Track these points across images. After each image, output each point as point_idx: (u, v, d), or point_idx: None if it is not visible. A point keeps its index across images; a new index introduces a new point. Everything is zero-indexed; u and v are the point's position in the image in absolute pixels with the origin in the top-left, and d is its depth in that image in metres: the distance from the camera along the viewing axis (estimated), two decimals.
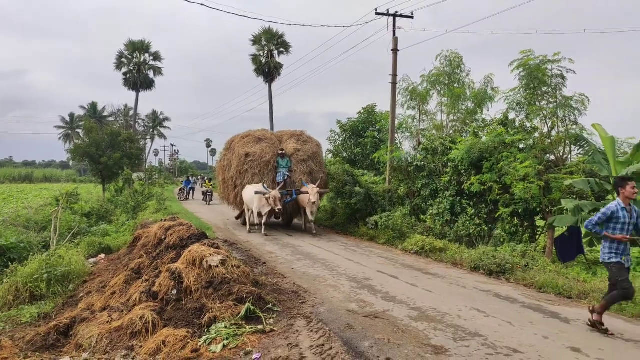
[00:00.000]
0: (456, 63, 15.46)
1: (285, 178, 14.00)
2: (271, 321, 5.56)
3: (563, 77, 10.80)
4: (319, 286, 7.23)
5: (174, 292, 5.99)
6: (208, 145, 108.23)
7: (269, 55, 39.83)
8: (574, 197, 9.83)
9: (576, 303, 6.49)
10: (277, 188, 13.28)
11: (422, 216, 14.19)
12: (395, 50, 15.42)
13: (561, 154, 11.52)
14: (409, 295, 6.60)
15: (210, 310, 5.54)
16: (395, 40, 15.40)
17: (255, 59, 40.17)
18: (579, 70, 10.82)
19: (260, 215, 13.18)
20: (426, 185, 13.77)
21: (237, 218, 16.43)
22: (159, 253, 7.44)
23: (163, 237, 8.04)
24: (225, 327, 5.32)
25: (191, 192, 30.53)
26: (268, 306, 5.96)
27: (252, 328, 5.31)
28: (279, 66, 40.04)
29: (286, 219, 15.37)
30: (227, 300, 5.76)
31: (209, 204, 24.77)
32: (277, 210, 12.65)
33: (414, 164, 14.32)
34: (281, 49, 40.13)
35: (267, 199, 12.63)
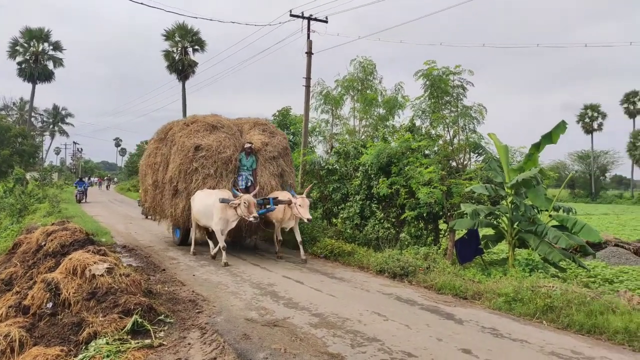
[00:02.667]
0: (369, 70, 15.79)
1: (249, 183, 10.36)
2: (161, 334, 5.12)
3: (463, 88, 11.36)
4: (219, 294, 6.86)
5: (49, 305, 5.33)
6: (117, 145, 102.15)
7: (182, 52, 38.29)
8: (473, 201, 10.34)
9: (470, 303, 6.74)
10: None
11: (333, 220, 14.24)
12: (309, 54, 15.40)
13: (462, 160, 12.12)
14: (312, 301, 6.46)
15: (91, 325, 4.97)
16: (309, 43, 15.39)
17: (167, 55, 38.41)
18: (479, 83, 11.50)
19: (221, 233, 9.25)
20: (337, 189, 13.82)
21: (178, 243, 11.62)
22: (36, 261, 6.63)
23: (43, 243, 7.20)
24: (107, 343, 4.79)
25: (84, 193, 27.93)
26: (160, 317, 5.50)
27: (138, 343, 4.83)
28: (193, 64, 38.61)
29: (234, 235, 10.68)
30: (112, 313, 5.21)
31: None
32: (251, 220, 8.75)
33: (326, 167, 14.36)
34: (196, 47, 38.74)
35: (235, 207, 8.89)
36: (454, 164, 12.13)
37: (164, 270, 8.49)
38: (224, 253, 9.13)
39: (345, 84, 15.61)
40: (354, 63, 15.51)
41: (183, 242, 11.42)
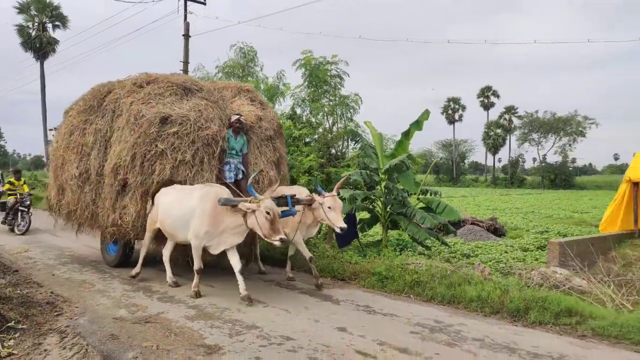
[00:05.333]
0: (250, 56, 15.54)
1: (240, 176, 7.29)
2: (11, 342, 4.51)
3: (340, 78, 11.75)
4: (83, 293, 6.26)
5: None
6: None
7: (40, 27, 34.11)
8: (351, 187, 10.79)
9: (347, 284, 7.02)
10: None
11: None
12: (186, 36, 14.69)
13: (341, 148, 12.58)
14: (188, 293, 6.19)
15: None
16: (187, 25, 14.68)
17: (22, 30, 33.96)
18: (357, 74, 11.96)
19: (208, 254, 6.34)
20: None
21: (115, 263, 8.03)
22: None
23: None
24: None
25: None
26: (9, 324, 4.84)
27: None
28: (53, 42, 34.62)
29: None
30: None
31: (23, 234, 11.91)
32: (276, 244, 5.62)
33: None
34: (57, 22, 34.78)
35: (245, 215, 5.75)
36: (333, 151, 12.54)
37: (16, 271, 7.51)
38: (196, 278, 6.12)
39: (226, 70, 15.19)
40: (234, 49, 15.15)
41: (122, 261, 7.93)
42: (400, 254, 8.31)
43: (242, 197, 6.26)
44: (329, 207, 6.52)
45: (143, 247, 7.10)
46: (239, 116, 7.29)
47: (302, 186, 8.21)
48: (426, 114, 9.46)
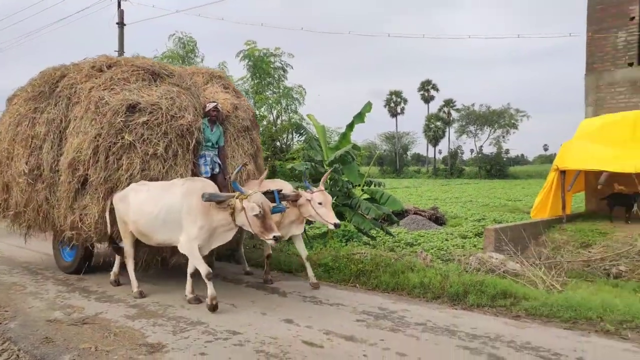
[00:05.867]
0: (190, 47, 15.13)
1: (216, 170, 6.73)
2: None
3: (284, 70, 11.73)
4: (14, 296, 5.88)
5: None
6: None
7: None
8: (296, 180, 10.80)
9: (295, 276, 7.04)
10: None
11: None
12: (120, 24, 14.04)
13: (285, 140, 12.55)
14: (129, 292, 5.96)
15: None
16: (121, 12, 14.02)
17: None
18: (302, 67, 11.96)
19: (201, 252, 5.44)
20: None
21: (72, 270, 7.13)
22: None
23: None
24: None
25: None
26: None
27: None
28: None
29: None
30: None
31: None
32: (272, 240, 5.05)
33: None
34: None
35: (232, 212, 5.23)
36: (278, 144, 12.49)
37: None
38: (210, 286, 5.25)
39: (164, 60, 14.68)
40: (173, 39, 14.69)
41: (81, 267, 7.04)
42: (346, 245, 8.42)
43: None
44: (319, 203, 6.04)
45: (128, 258, 6.07)
46: (215, 104, 6.70)
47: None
48: (368, 106, 9.62)
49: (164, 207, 5.49)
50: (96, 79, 6.51)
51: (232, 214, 5.23)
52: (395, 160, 64.10)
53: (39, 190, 6.63)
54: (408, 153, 72.38)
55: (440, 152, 72.37)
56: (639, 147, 9.04)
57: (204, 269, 5.26)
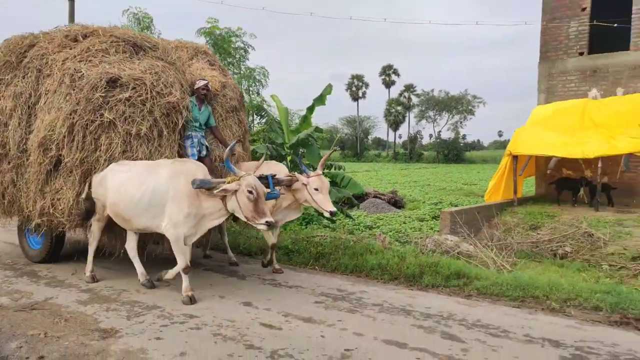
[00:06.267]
0: (146, 23, 14.52)
1: (204, 153, 6.24)
2: None
3: (246, 51, 11.48)
4: None
5: None
6: None
7: None
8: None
9: (254, 259, 7.00)
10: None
11: None
12: None
13: (246, 122, 12.37)
14: (81, 277, 5.77)
15: None
16: None
17: None
18: (267, 48, 11.74)
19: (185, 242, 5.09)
20: None
21: (41, 259, 6.55)
22: None
23: None
24: None
25: None
26: None
27: None
28: None
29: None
30: None
31: None
32: (261, 228, 4.90)
33: None
34: None
35: (224, 197, 4.88)
36: None
37: None
38: (185, 280, 5.02)
39: None
40: (127, 14, 14.04)
41: (51, 256, 6.48)
42: (306, 228, 8.46)
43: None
44: (316, 189, 5.58)
45: (92, 240, 5.68)
46: (206, 82, 6.23)
47: None
48: (329, 88, 9.59)
49: (147, 190, 5.00)
50: (71, 49, 5.92)
51: (224, 199, 4.86)
52: (356, 144, 64.59)
53: (5, 172, 6.06)
54: (369, 137, 73.07)
55: (400, 137, 73.50)
56: (587, 134, 9.48)
57: (183, 261, 4.98)
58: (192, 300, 4.85)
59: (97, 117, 5.41)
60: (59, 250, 6.59)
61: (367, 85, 66.51)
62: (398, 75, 64.80)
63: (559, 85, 11.55)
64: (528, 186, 13.44)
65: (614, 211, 9.07)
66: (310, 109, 9.62)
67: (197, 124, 6.17)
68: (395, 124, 63.51)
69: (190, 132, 6.09)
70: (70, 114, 5.41)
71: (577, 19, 11.22)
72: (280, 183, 5.68)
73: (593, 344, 3.89)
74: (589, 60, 11.15)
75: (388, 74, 64.56)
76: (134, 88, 5.56)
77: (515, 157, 10.12)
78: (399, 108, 62.59)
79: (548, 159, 10.69)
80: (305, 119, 9.71)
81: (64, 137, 5.40)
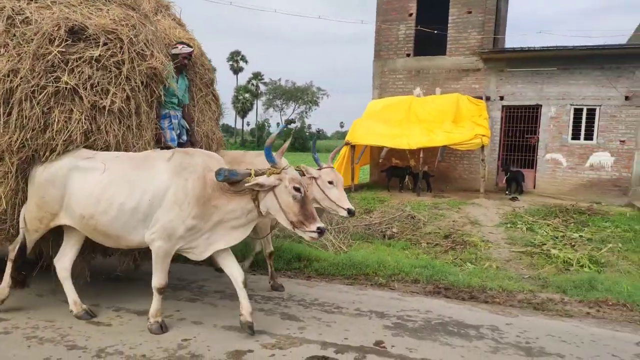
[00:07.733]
0: None
1: (183, 136, 4.94)
2: None
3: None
4: None
5: None
6: None
7: None
8: None
9: None
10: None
11: None
12: None
13: None
14: None
15: None
16: None
17: None
18: None
19: (163, 263, 3.74)
20: None
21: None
22: None
23: None
24: None
25: None
26: None
27: None
28: None
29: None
30: None
31: None
32: (315, 233, 3.49)
33: None
34: None
35: (256, 198, 3.62)
36: None
37: None
38: (157, 302, 3.81)
39: None
40: None
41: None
42: None
43: None
44: (330, 182, 4.45)
45: (11, 254, 4.06)
46: (191, 49, 4.94)
47: None
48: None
49: (145, 195, 3.62)
50: None
51: (255, 198, 3.68)
52: None
53: None
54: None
55: (248, 124, 73.51)
56: (412, 128, 10.65)
57: (161, 280, 3.73)
58: (162, 329, 3.74)
59: (51, 83, 3.84)
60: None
61: (214, 70, 64.80)
62: (246, 62, 64.44)
63: (390, 82, 12.74)
64: (365, 174, 14.60)
65: (432, 196, 10.38)
66: None
67: (175, 100, 4.84)
68: (243, 111, 63.24)
69: (167, 110, 4.77)
70: (8, 76, 3.80)
71: (405, 23, 12.48)
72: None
73: (411, 312, 4.40)
74: (414, 62, 12.52)
75: (236, 59, 63.79)
76: (105, 44, 4.05)
77: (353, 147, 10.89)
78: (247, 95, 62.43)
79: (380, 149, 11.74)
80: None
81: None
